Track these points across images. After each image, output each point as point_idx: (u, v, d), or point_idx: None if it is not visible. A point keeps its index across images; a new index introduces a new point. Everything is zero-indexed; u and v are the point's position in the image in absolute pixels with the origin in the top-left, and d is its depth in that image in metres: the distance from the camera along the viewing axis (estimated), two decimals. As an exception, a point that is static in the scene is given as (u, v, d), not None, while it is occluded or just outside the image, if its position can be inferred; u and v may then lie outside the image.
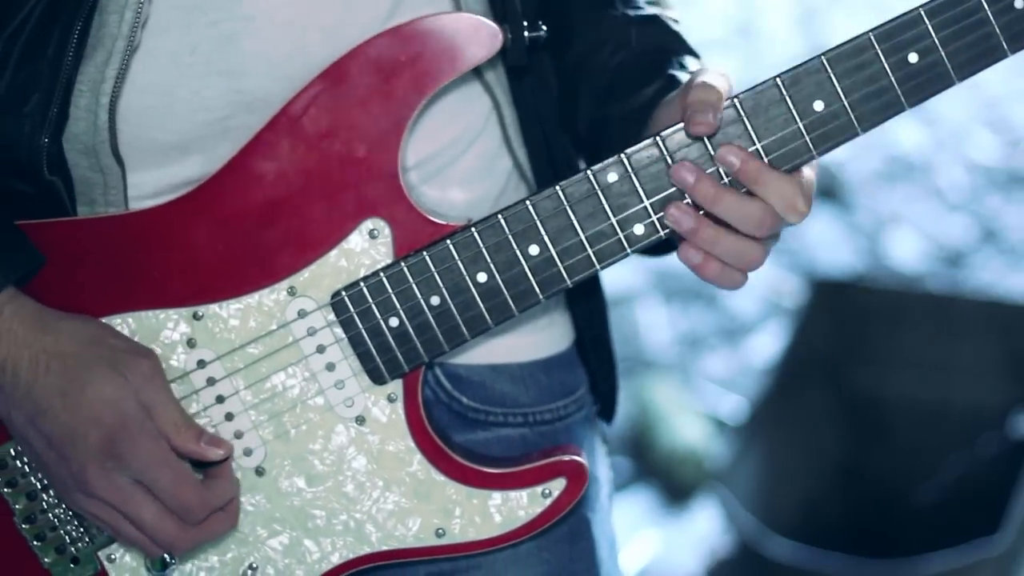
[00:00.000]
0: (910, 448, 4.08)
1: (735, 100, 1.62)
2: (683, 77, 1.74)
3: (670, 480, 4.35)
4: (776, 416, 4.02)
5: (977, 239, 5.15)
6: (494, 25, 1.66)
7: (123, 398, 1.63)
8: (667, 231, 1.65)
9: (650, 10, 1.84)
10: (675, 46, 1.80)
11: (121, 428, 1.62)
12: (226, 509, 1.69)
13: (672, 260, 1.70)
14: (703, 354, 4.81)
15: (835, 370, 4.15)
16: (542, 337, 1.84)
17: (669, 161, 1.63)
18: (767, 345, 4.69)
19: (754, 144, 1.62)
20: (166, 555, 1.69)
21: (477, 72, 1.76)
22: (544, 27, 1.75)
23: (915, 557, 3.53)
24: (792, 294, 4.77)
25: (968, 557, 3.49)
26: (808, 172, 1.64)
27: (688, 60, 1.78)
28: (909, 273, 4.96)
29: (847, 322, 4.17)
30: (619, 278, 4.86)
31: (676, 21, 1.84)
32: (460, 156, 1.77)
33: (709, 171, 1.62)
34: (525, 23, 1.73)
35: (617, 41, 1.81)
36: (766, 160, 1.62)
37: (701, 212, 1.63)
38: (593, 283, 1.87)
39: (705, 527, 4.14)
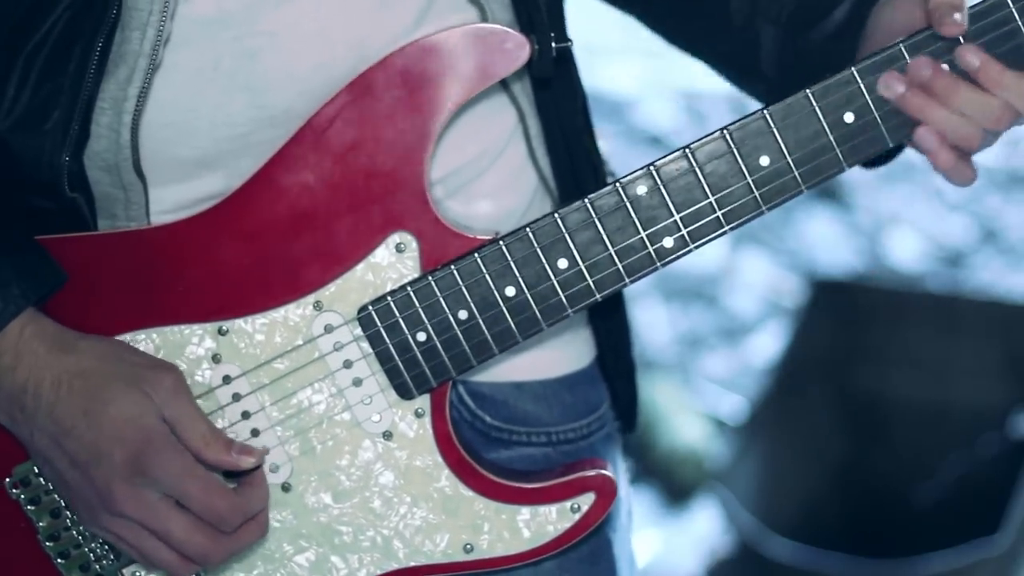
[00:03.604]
0: (910, 448, 4.07)
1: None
2: None
3: (670, 480, 4.34)
4: (776, 416, 4.01)
5: (977, 239, 5.13)
6: (521, 36, 1.64)
7: (145, 414, 1.61)
8: (697, 244, 1.64)
9: None
10: None
11: (146, 444, 1.60)
12: (256, 519, 1.67)
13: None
14: (703, 354, 4.79)
15: (835, 370, 4.14)
16: (565, 353, 1.83)
17: (699, 173, 1.63)
18: (767, 345, 4.67)
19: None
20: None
21: (503, 83, 1.74)
22: (571, 37, 1.73)
23: (915, 557, 3.52)
24: (792, 294, 4.76)
25: (968, 557, 3.49)
26: None
27: None
28: (909, 273, 4.94)
29: (847, 322, 4.16)
30: (618, 278, 4.82)
31: None
32: (486, 170, 1.75)
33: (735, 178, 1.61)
34: (552, 33, 1.70)
35: None
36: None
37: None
38: (615, 296, 1.85)
39: (705, 527, 4.13)
